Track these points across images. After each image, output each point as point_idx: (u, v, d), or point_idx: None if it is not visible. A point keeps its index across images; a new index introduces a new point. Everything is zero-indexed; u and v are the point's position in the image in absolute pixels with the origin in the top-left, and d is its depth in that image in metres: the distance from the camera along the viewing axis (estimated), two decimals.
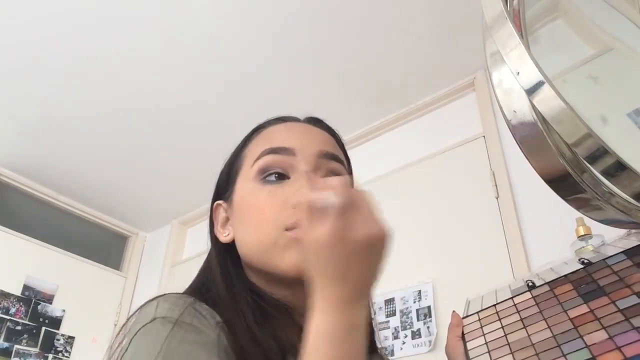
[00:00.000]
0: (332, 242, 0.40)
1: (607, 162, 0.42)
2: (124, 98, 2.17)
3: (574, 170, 0.50)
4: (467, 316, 0.74)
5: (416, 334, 1.70)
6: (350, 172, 0.64)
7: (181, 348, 0.43)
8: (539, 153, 0.53)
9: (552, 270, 0.74)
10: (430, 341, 1.65)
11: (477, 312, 0.73)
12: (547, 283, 0.69)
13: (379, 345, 0.67)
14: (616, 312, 0.55)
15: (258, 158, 0.56)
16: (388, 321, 1.78)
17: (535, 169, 0.54)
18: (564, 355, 0.54)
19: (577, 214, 0.56)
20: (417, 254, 1.83)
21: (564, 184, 0.52)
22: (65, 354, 2.52)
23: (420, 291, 1.76)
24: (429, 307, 1.71)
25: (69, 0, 1.76)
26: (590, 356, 0.51)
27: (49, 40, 1.91)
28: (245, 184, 0.57)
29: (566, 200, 0.54)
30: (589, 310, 0.58)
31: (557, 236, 1.40)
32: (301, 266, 0.50)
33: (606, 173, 0.44)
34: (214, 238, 0.61)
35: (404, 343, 1.71)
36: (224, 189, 0.62)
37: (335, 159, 0.58)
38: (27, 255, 2.55)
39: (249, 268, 0.57)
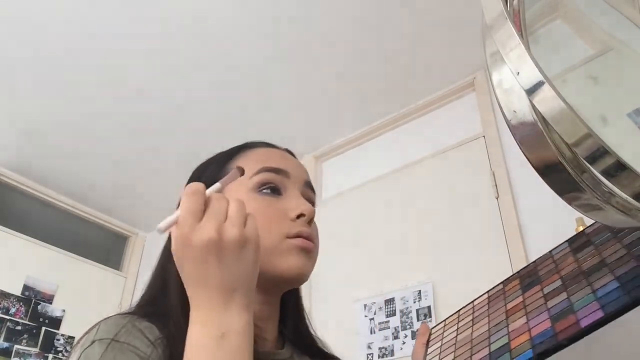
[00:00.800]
0: (176, 250, 0.43)
1: (607, 162, 0.42)
2: (124, 98, 2.17)
3: (574, 170, 0.50)
4: (437, 325, 0.79)
5: (416, 334, 1.70)
6: None
7: None
8: (539, 153, 0.53)
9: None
10: None
11: (444, 320, 0.78)
12: (502, 282, 0.74)
13: (329, 350, 0.71)
14: (540, 297, 0.59)
15: (257, 172, 0.62)
16: (388, 321, 1.78)
17: (534, 169, 0.54)
18: (489, 345, 0.58)
19: (577, 214, 0.56)
20: (417, 254, 1.83)
21: (564, 184, 0.52)
22: (65, 354, 2.52)
23: (420, 291, 1.76)
24: (429, 307, 1.71)
25: (70, 1, 1.76)
26: (507, 341, 0.56)
27: (49, 40, 1.91)
28: (239, 194, 0.60)
29: (566, 200, 0.53)
30: (522, 300, 0.62)
31: (557, 236, 1.40)
32: (300, 269, 0.57)
33: (606, 173, 0.44)
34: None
35: (404, 343, 1.71)
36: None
37: (313, 190, 0.67)
38: (27, 255, 2.55)
39: None
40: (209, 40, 1.91)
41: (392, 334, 1.75)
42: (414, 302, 1.75)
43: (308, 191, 0.65)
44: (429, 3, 1.74)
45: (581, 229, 1.17)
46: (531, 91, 0.44)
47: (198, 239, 0.42)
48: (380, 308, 1.82)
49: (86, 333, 0.50)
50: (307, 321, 0.70)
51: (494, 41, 0.48)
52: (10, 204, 2.64)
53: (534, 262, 0.71)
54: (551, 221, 1.51)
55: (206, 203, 0.44)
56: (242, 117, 2.19)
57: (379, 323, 1.80)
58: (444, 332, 0.74)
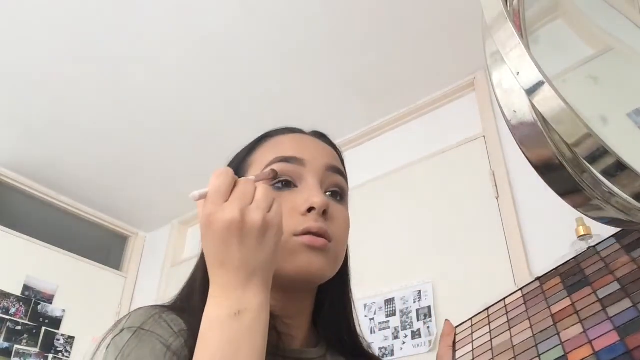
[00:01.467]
0: (201, 227, 0.44)
1: (607, 162, 0.42)
2: (124, 98, 2.17)
3: (574, 170, 0.50)
4: (462, 323, 0.72)
5: (416, 334, 1.70)
6: (347, 182, 0.66)
7: (135, 353, 0.47)
8: (539, 153, 0.53)
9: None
10: (430, 341, 1.65)
11: (471, 318, 0.72)
12: (538, 278, 0.67)
13: (372, 350, 0.67)
14: (595, 302, 0.53)
15: (269, 165, 0.58)
16: (388, 321, 1.78)
17: (534, 169, 0.54)
18: (539, 356, 0.52)
19: (577, 214, 0.56)
20: (417, 254, 1.83)
21: (564, 184, 0.52)
22: (65, 354, 2.52)
23: (420, 291, 1.76)
24: (429, 307, 1.71)
25: (71, 3, 1.76)
26: (563, 353, 0.49)
27: (50, 41, 1.91)
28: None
29: (565, 200, 0.53)
30: (570, 303, 0.56)
31: (557, 236, 1.40)
32: (308, 268, 0.54)
33: (606, 173, 0.44)
34: None
35: (404, 343, 1.71)
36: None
37: (340, 173, 0.61)
38: (27, 255, 2.55)
39: None
40: (209, 42, 1.90)
41: (392, 334, 1.75)
42: (414, 302, 1.75)
43: (332, 176, 0.60)
44: (429, 3, 1.74)
45: (581, 229, 1.17)
46: (531, 91, 0.44)
47: (221, 218, 0.43)
48: (380, 308, 1.82)
49: (118, 322, 0.52)
50: (350, 319, 0.65)
51: (494, 41, 0.48)
52: (10, 204, 2.64)
53: (574, 258, 0.65)
54: (551, 221, 1.50)
55: (235, 186, 0.45)
56: (242, 117, 2.19)
57: (379, 323, 1.80)
58: (472, 332, 0.67)
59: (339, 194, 0.61)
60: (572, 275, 0.61)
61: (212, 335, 0.41)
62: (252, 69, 2.02)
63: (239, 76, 2.05)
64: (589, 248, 0.65)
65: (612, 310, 0.50)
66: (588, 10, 0.69)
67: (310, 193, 0.56)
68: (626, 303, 0.49)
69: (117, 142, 2.42)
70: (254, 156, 0.62)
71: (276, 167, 0.57)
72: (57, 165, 2.59)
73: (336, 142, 0.69)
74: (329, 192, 0.60)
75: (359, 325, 0.66)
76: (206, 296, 0.46)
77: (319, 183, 0.58)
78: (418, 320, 1.72)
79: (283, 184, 0.57)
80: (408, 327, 1.73)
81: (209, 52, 1.95)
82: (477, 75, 2.00)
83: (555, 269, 0.66)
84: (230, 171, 0.46)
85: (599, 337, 0.48)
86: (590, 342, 0.48)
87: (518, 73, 0.45)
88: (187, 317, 0.51)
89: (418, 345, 1.67)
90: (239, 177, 0.61)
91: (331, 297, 0.63)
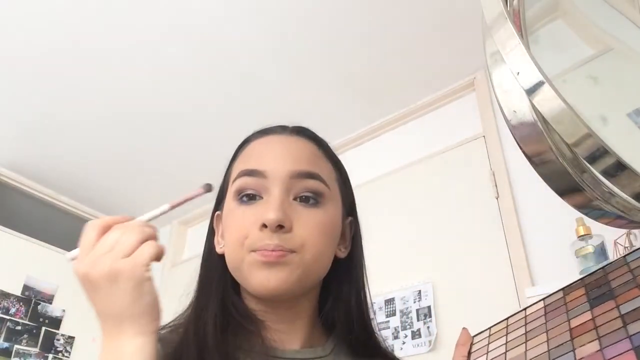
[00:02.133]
0: (78, 279, 0.48)
1: (607, 162, 0.42)
2: (123, 98, 2.17)
3: (574, 170, 0.50)
4: (480, 333, 0.69)
5: (416, 334, 1.70)
6: (343, 178, 0.66)
7: None
8: (539, 153, 0.53)
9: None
10: (430, 341, 1.65)
11: (490, 327, 0.68)
12: (562, 289, 0.63)
13: (391, 351, 0.65)
14: (617, 318, 0.49)
15: (235, 179, 0.59)
16: (388, 321, 1.78)
17: (534, 169, 0.54)
18: None
19: (577, 214, 0.56)
20: (417, 254, 1.83)
21: (564, 184, 0.52)
22: (65, 354, 2.52)
23: (420, 291, 1.76)
24: (429, 307, 1.71)
25: (68, 1, 1.76)
26: None
27: (49, 40, 1.91)
28: (228, 202, 0.60)
29: (566, 200, 0.53)
30: (591, 317, 0.52)
31: (557, 236, 1.41)
32: (266, 284, 0.53)
33: (606, 173, 0.44)
34: (207, 249, 0.63)
35: (404, 343, 1.71)
36: (219, 201, 0.65)
37: (310, 176, 0.58)
38: (27, 255, 2.54)
39: None
40: (208, 42, 1.90)
41: (392, 334, 1.75)
42: (414, 302, 1.75)
43: (300, 182, 0.57)
44: (429, 3, 1.74)
45: (581, 229, 1.18)
46: (531, 91, 0.44)
47: (77, 272, 0.47)
48: (380, 308, 1.82)
49: None
50: (362, 316, 0.62)
51: (494, 41, 0.48)
52: (10, 204, 2.63)
53: (602, 268, 0.60)
54: (551, 221, 1.51)
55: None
56: (241, 118, 2.19)
57: (379, 323, 1.80)
58: (489, 343, 0.64)
59: (312, 198, 0.58)
60: (597, 287, 0.57)
61: None
62: (251, 69, 2.01)
63: (238, 77, 2.05)
64: (618, 258, 0.60)
65: (633, 328, 0.46)
66: (588, 10, 0.69)
67: (267, 208, 0.54)
68: None
69: (117, 142, 2.42)
70: (232, 167, 0.63)
71: (240, 182, 0.58)
72: (57, 165, 2.59)
73: (335, 142, 0.68)
74: (298, 197, 0.57)
75: (375, 323, 0.64)
76: (205, 300, 0.51)
77: (283, 192, 0.56)
78: (418, 320, 1.72)
79: (247, 197, 0.57)
80: (408, 327, 1.73)
81: (209, 53, 1.95)
82: (477, 75, 2.00)
83: (581, 279, 0.62)
84: (98, 223, 0.48)
85: (615, 356, 0.44)
86: None
87: (518, 73, 0.45)
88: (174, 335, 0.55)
89: (418, 345, 1.67)
90: (225, 185, 0.62)
91: (335, 294, 0.62)
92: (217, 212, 0.64)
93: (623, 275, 0.55)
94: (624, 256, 0.59)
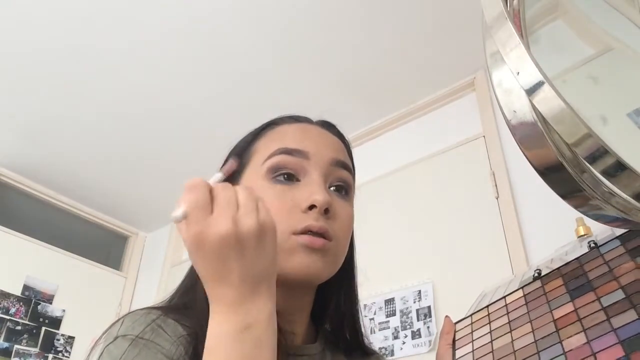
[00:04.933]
0: (191, 248, 0.40)
1: (607, 162, 0.42)
2: (123, 98, 2.17)
3: (574, 170, 0.50)
4: (461, 320, 0.70)
5: (416, 334, 1.70)
6: (354, 174, 0.64)
7: None
8: (539, 153, 0.53)
9: (562, 257, 0.68)
10: (430, 341, 1.65)
11: (471, 315, 0.69)
12: (540, 278, 0.65)
13: (373, 347, 0.66)
14: (599, 310, 0.51)
15: (270, 156, 0.56)
16: (388, 321, 1.78)
17: (534, 169, 0.54)
18: None
19: (577, 214, 0.56)
20: (417, 254, 1.83)
21: (564, 184, 0.52)
22: (65, 354, 2.52)
23: (420, 291, 1.76)
24: (429, 307, 1.71)
25: (68, 1, 1.76)
26: None
27: (49, 40, 1.91)
28: (254, 181, 0.56)
29: (565, 200, 0.53)
30: (573, 309, 0.53)
31: (557, 236, 1.40)
32: (306, 270, 0.52)
33: (606, 173, 0.44)
34: None
35: (404, 343, 1.71)
36: (229, 180, 0.62)
37: (345, 167, 0.58)
38: (27, 255, 2.55)
39: None
40: (210, 41, 1.90)
41: (392, 334, 1.75)
42: (414, 302, 1.75)
43: (338, 170, 0.57)
44: (429, 3, 1.74)
45: (581, 229, 1.17)
46: (531, 91, 0.44)
47: (214, 233, 0.39)
48: (380, 308, 1.82)
49: (110, 327, 0.49)
50: (355, 315, 0.63)
51: (494, 41, 0.48)
52: (10, 204, 2.64)
53: (577, 259, 0.62)
54: (551, 221, 1.50)
55: (212, 194, 0.41)
56: (241, 118, 2.19)
57: (379, 323, 1.80)
58: (472, 331, 0.65)
59: (344, 189, 0.58)
60: (574, 278, 0.59)
61: (222, 351, 0.39)
62: (251, 69, 2.01)
63: (238, 77, 2.05)
64: (592, 249, 0.62)
65: (617, 322, 0.48)
66: (588, 10, 0.69)
67: (313, 189, 0.53)
68: (631, 315, 0.47)
69: (117, 142, 2.42)
70: (258, 144, 0.60)
71: (277, 159, 0.55)
72: (57, 165, 2.59)
73: None
74: (334, 187, 0.57)
75: (362, 323, 0.64)
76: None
77: (322, 178, 0.55)
78: (418, 320, 1.72)
79: (285, 177, 0.55)
80: (408, 327, 1.73)
81: (209, 53, 1.95)
82: (477, 75, 2.00)
83: (558, 269, 0.64)
84: (202, 181, 0.42)
85: (603, 349, 0.46)
86: (594, 354, 0.46)
87: (518, 73, 0.45)
88: (187, 318, 0.50)
89: (418, 345, 1.67)
90: (243, 163, 0.59)
91: (337, 293, 0.62)
92: None
93: (599, 267, 0.57)
94: (598, 247, 0.61)
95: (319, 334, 0.61)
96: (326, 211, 0.53)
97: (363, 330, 0.64)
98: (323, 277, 0.54)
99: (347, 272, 0.62)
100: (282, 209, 0.53)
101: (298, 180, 0.55)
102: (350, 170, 0.60)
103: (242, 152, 0.61)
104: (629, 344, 0.44)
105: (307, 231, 0.52)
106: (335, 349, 0.61)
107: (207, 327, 0.42)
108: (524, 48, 0.45)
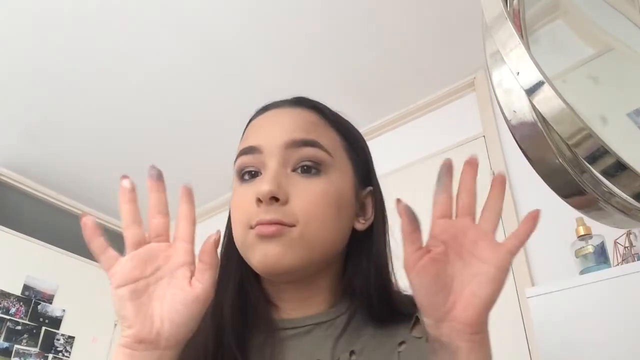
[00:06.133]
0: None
1: (607, 162, 0.42)
2: (123, 99, 2.17)
3: (574, 170, 0.50)
4: None
5: None
6: (353, 145, 0.63)
7: None
8: (539, 153, 0.53)
9: None
10: None
11: None
12: None
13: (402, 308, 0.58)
14: None
15: (235, 160, 0.58)
16: None
17: (534, 169, 0.54)
18: None
19: (577, 214, 0.56)
20: None
21: (564, 184, 0.52)
22: (65, 354, 2.52)
23: None
24: None
25: (69, 3, 1.76)
26: None
27: (49, 41, 1.91)
28: (233, 184, 0.59)
29: (566, 200, 0.53)
30: None
31: (557, 236, 1.41)
32: (264, 260, 0.51)
33: (606, 173, 0.44)
34: (228, 234, 0.63)
35: None
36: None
37: (307, 143, 0.55)
38: (27, 255, 2.54)
39: None
40: (208, 41, 1.90)
41: None
42: None
43: (296, 151, 0.54)
44: (429, 3, 1.74)
45: (581, 229, 1.18)
46: (531, 91, 0.44)
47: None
48: None
49: None
50: (384, 290, 0.58)
51: (494, 41, 0.48)
52: (10, 204, 2.63)
53: None
54: (551, 221, 1.50)
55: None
56: (241, 118, 2.19)
57: None
58: None
59: (312, 167, 0.54)
60: None
61: None
62: (251, 69, 2.01)
63: (238, 77, 2.05)
64: None
65: None
66: (588, 10, 0.69)
67: (260, 183, 0.53)
68: None
69: (117, 142, 2.42)
70: (239, 147, 0.61)
71: (240, 161, 0.57)
72: (57, 165, 2.59)
73: None
74: (298, 168, 0.54)
75: (395, 287, 0.60)
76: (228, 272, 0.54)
77: (279, 164, 0.54)
78: None
79: (249, 175, 0.56)
80: None
81: (208, 52, 1.95)
82: (477, 75, 1.99)
83: None
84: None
85: None
86: None
87: (518, 73, 0.45)
88: None
89: None
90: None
91: (353, 268, 0.58)
92: None
93: None
94: None
95: (343, 301, 0.58)
96: (276, 199, 0.51)
97: (394, 288, 0.60)
98: (291, 264, 0.51)
99: (371, 245, 0.59)
100: (241, 207, 0.55)
101: (261, 174, 0.55)
102: (315, 144, 0.55)
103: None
104: None
105: (258, 224, 0.52)
106: (371, 319, 0.57)
107: (206, 326, 0.44)
108: (524, 48, 0.45)
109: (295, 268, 0.52)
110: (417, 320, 0.55)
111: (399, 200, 0.51)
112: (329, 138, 0.58)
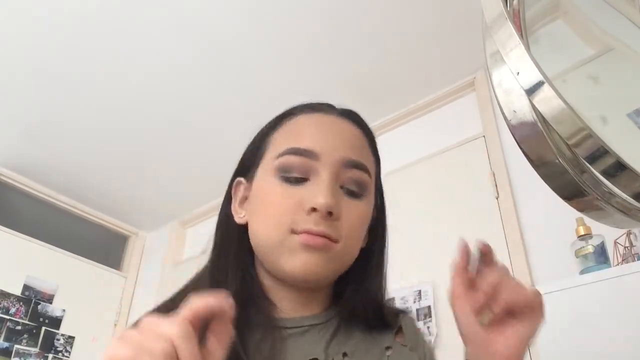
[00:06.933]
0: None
1: (607, 162, 0.42)
2: (123, 98, 2.17)
3: (574, 170, 0.50)
4: None
5: None
6: (379, 167, 0.65)
7: None
8: (539, 153, 0.53)
9: None
10: (430, 341, 1.65)
11: None
12: None
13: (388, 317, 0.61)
14: None
15: (281, 155, 0.56)
16: None
17: (534, 169, 0.54)
18: None
19: (577, 214, 0.56)
20: (417, 254, 1.83)
21: (564, 184, 0.52)
22: (65, 354, 2.52)
23: (420, 291, 1.75)
24: (429, 307, 1.71)
25: (73, 3, 1.76)
26: None
27: (49, 41, 1.91)
28: (265, 175, 0.57)
29: (566, 201, 0.53)
30: None
31: (557, 236, 1.41)
32: (304, 268, 0.52)
33: (606, 173, 0.44)
34: (225, 215, 0.61)
35: None
36: (247, 168, 0.62)
37: (358, 166, 0.57)
38: (27, 255, 2.55)
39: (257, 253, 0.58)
40: (208, 42, 1.90)
41: None
42: (414, 302, 1.75)
43: (349, 171, 0.55)
44: (429, 3, 1.74)
45: (581, 229, 1.18)
46: (531, 91, 0.44)
47: None
48: None
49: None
50: (380, 303, 0.60)
51: (494, 41, 0.48)
52: (10, 203, 2.63)
53: None
54: (551, 221, 1.51)
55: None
56: (241, 118, 2.19)
57: None
58: None
59: (356, 189, 0.56)
60: None
61: None
62: (251, 69, 2.01)
63: (238, 77, 2.05)
64: None
65: None
66: (588, 10, 0.69)
67: (317, 191, 0.52)
68: None
69: (117, 142, 2.42)
70: (272, 137, 0.60)
71: (286, 159, 0.55)
72: (57, 165, 2.59)
73: None
74: (345, 187, 0.56)
75: (384, 300, 0.61)
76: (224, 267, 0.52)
77: (332, 178, 0.54)
78: (418, 320, 1.71)
79: (295, 178, 0.55)
80: None
81: (208, 52, 1.95)
82: (477, 75, 1.99)
83: None
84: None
85: None
86: None
87: (518, 73, 0.45)
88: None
89: None
90: (260, 154, 0.60)
91: (357, 284, 0.59)
92: (239, 179, 0.62)
93: None
94: None
95: (333, 304, 0.60)
96: (330, 214, 0.52)
97: (381, 297, 0.61)
98: (324, 278, 0.54)
99: (375, 262, 0.61)
100: (285, 208, 0.53)
101: (307, 179, 0.55)
102: (365, 168, 0.57)
103: (261, 144, 0.61)
104: None
105: (306, 232, 0.52)
106: (349, 318, 0.58)
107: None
108: (524, 48, 0.45)
109: (324, 278, 0.55)
110: (400, 329, 0.60)
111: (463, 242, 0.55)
112: (370, 162, 0.61)
